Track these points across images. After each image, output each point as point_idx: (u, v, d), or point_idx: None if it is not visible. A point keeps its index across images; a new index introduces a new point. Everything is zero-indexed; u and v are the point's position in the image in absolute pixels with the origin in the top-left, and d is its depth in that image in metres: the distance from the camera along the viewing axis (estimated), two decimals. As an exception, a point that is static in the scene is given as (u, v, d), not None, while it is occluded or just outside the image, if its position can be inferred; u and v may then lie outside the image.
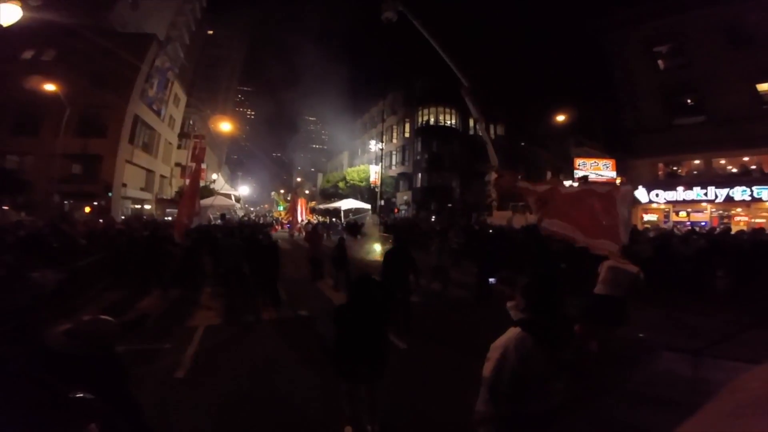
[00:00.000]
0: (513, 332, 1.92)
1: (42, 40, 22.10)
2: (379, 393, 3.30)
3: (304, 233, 19.26)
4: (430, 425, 3.51)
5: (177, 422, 3.52)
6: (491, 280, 2.39)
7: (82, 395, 1.38)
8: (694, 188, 16.82)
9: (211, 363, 4.87)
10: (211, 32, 63.21)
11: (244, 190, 48.23)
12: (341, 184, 38.25)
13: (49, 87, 18.11)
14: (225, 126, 27.51)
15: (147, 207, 27.53)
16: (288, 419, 3.61)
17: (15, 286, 5.74)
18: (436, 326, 6.45)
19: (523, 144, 40.41)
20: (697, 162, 17.62)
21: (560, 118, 21.14)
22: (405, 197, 37.82)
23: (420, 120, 36.07)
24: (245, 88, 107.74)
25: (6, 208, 17.70)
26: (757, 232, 10.76)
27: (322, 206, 36.42)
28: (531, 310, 1.98)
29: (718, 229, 13.18)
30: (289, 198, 46.91)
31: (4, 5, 6.94)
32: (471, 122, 34.00)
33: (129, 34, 26.41)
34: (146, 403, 3.79)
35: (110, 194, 21.39)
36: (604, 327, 4.73)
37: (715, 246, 8.64)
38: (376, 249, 16.00)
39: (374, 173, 34.74)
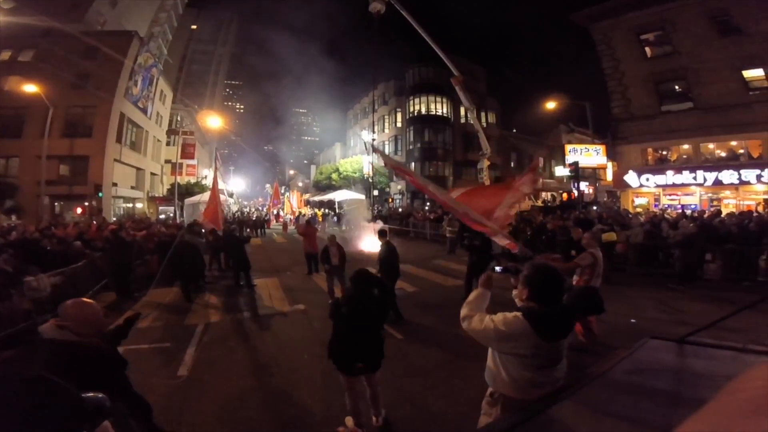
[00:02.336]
0: (516, 316, 1.96)
1: (18, 41, 21.63)
2: (380, 384, 3.38)
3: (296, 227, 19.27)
4: (428, 415, 3.61)
5: (183, 420, 3.58)
6: (497, 269, 2.41)
7: (94, 394, 1.41)
8: (684, 172, 17.04)
9: (213, 360, 4.92)
10: (194, 27, 62.04)
11: (237, 185, 47.84)
12: (335, 176, 38.09)
13: (30, 88, 17.68)
14: (214, 121, 27.17)
15: (139, 206, 27.26)
16: (290, 414, 3.69)
17: (12, 292, 5.72)
18: (432, 316, 6.54)
19: (514, 131, 40.52)
20: (686, 147, 17.81)
21: (551, 105, 21.18)
22: (399, 187, 37.80)
23: (411, 109, 35.93)
24: (233, 82, 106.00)
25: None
26: (744, 214, 10.96)
27: (316, 198, 36.31)
28: (533, 299, 2.00)
29: (707, 212, 13.41)
30: (282, 191, 46.54)
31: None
32: (462, 111, 33.94)
33: (109, 32, 25.88)
34: (151, 402, 3.87)
35: (101, 194, 21.12)
36: (585, 317, 4.88)
37: (704, 231, 8.80)
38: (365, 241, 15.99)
39: (368, 164, 34.64)
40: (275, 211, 31.70)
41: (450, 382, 4.18)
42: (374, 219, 19.50)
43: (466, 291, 7.21)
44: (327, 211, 30.53)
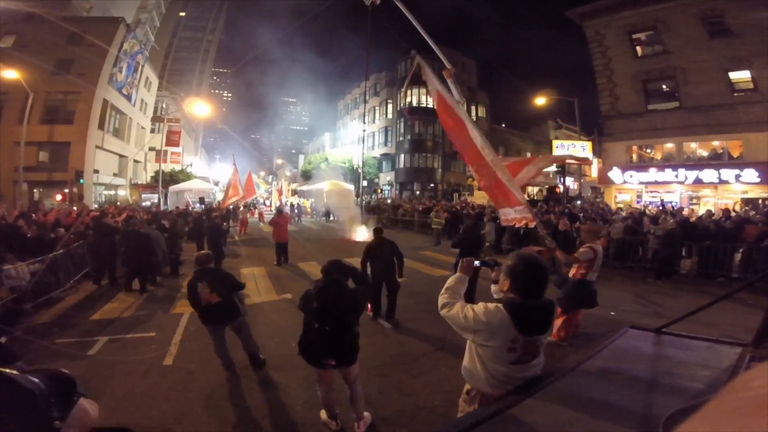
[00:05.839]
0: (497, 306, 1.93)
1: (0, 27, 20.85)
2: (359, 382, 3.28)
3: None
4: (415, 401, 3.67)
5: (169, 409, 3.58)
6: (476, 263, 2.39)
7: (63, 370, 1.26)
8: (666, 170, 17.42)
9: (199, 349, 4.88)
10: (183, 14, 60.53)
11: (224, 173, 46.90)
12: (323, 166, 37.84)
13: (10, 74, 17.26)
14: (200, 109, 26.61)
15: (121, 193, 26.71)
16: (276, 402, 3.72)
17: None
18: (420, 305, 6.59)
19: (503, 125, 40.81)
20: (669, 145, 18.19)
21: (540, 101, 21.34)
22: (388, 178, 37.82)
23: (403, 101, 35.82)
24: (221, 70, 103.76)
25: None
26: (725, 212, 11.29)
27: (304, 187, 36.01)
28: (515, 291, 1.95)
29: (685, 210, 13.82)
30: (269, 180, 45.76)
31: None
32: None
33: (94, 18, 25.48)
34: (137, 392, 3.85)
35: (82, 181, 20.61)
36: (577, 310, 4.90)
37: (683, 227, 9.05)
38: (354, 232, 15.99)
39: (356, 156, 34.46)
40: (250, 201, 25.01)
41: (436, 370, 4.26)
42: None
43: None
44: (313, 201, 30.23)
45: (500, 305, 1.92)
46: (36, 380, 0.91)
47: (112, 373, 4.20)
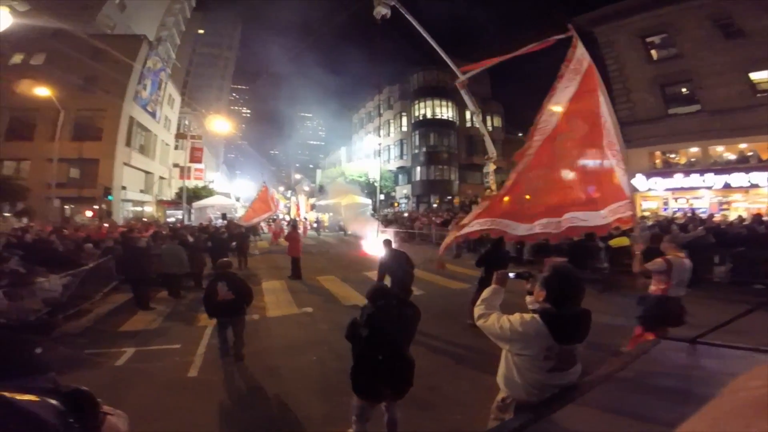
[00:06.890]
0: (533, 317, 1.96)
1: (30, 44, 21.99)
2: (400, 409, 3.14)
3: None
4: (433, 415, 3.61)
5: (191, 421, 3.62)
6: (510, 275, 2.40)
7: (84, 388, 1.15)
8: (692, 175, 16.85)
9: (222, 361, 4.94)
10: (201, 31, 62.88)
11: (243, 188, 48.00)
12: (340, 180, 38.23)
13: (42, 91, 18.09)
14: (221, 125, 27.39)
15: (148, 209, 27.54)
16: (296, 416, 3.71)
17: (23, 293, 5.82)
18: (438, 318, 6.51)
19: (520, 135, 40.46)
20: (694, 150, 17.64)
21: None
22: (404, 191, 37.84)
23: (416, 113, 36.03)
24: (240, 87, 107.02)
25: (7, 215, 17.75)
26: (754, 218, 10.80)
27: (322, 202, 36.42)
28: (550, 301, 2.00)
29: (716, 216, 13.29)
30: (288, 195, 46.49)
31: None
32: (467, 114, 33.98)
33: (118, 35, 26.45)
34: (161, 402, 3.92)
35: (111, 198, 21.37)
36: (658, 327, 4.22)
37: (713, 234, 8.73)
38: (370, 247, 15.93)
39: (372, 169, 34.66)
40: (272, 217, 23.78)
41: (455, 384, 4.18)
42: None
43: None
44: (331, 215, 30.50)
45: (536, 315, 1.96)
46: (56, 403, 0.85)
47: (138, 383, 4.29)
